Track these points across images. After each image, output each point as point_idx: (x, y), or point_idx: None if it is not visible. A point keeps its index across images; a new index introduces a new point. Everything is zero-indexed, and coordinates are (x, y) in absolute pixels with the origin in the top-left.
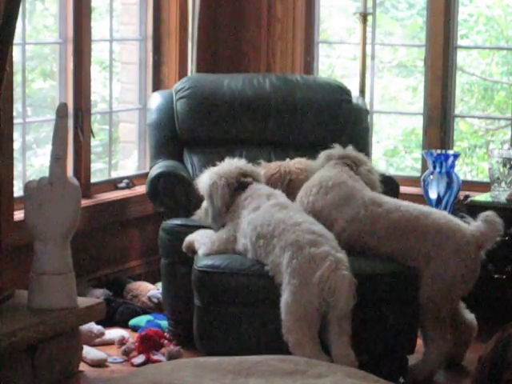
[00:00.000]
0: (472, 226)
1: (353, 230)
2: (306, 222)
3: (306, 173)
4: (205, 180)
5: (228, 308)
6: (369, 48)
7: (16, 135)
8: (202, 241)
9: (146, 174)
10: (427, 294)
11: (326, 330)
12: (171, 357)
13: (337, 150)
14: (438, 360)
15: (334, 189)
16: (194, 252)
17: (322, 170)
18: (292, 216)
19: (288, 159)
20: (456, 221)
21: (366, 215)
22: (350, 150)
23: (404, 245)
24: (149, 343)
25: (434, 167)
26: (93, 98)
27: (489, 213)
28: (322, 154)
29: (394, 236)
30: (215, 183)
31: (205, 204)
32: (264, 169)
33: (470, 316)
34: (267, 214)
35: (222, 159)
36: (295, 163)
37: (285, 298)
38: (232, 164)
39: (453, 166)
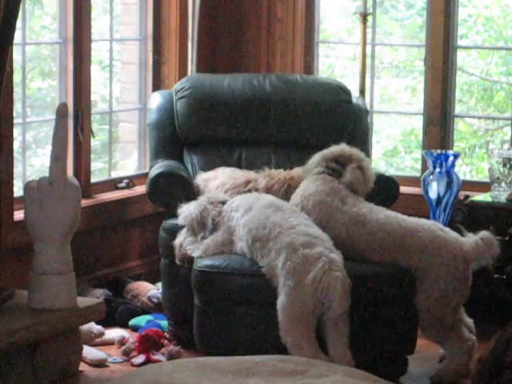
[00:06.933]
0: (468, 239)
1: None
2: (301, 225)
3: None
4: (192, 209)
5: (228, 308)
6: (368, 48)
7: (16, 135)
8: (194, 245)
9: (146, 174)
10: (425, 307)
11: (324, 330)
12: (171, 357)
13: (330, 150)
14: (461, 360)
15: (314, 210)
16: (190, 261)
17: (306, 181)
18: (287, 219)
19: (289, 169)
20: (444, 235)
21: (348, 236)
22: (343, 148)
23: (390, 262)
24: (149, 343)
25: (434, 167)
26: (93, 97)
27: (488, 233)
28: (317, 156)
29: (379, 255)
30: (206, 209)
31: (183, 234)
32: (265, 178)
33: (468, 320)
34: (262, 215)
35: (222, 159)
36: (297, 170)
37: (280, 299)
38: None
39: (453, 166)
